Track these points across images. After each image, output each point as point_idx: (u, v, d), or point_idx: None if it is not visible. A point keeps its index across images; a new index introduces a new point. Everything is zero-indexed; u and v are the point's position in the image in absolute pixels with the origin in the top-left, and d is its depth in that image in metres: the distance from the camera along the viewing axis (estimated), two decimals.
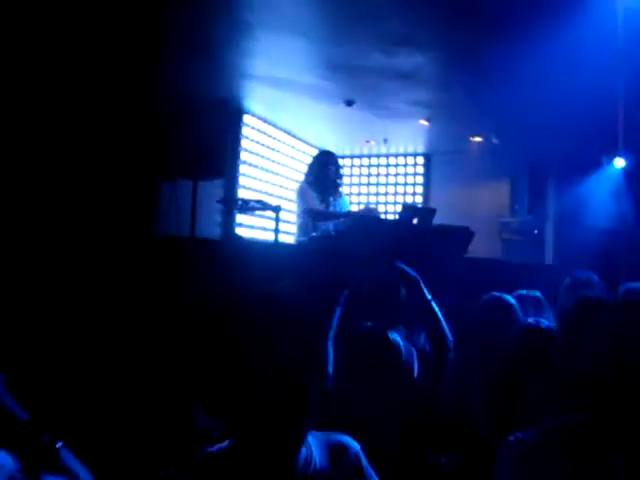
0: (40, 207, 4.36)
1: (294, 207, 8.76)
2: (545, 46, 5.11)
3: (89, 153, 5.11)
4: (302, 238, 5.44)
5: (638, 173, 7.30)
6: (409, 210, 5.51)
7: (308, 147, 9.35)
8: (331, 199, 5.51)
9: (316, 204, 5.45)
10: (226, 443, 2.05)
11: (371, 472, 2.14)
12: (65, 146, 4.79)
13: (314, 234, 5.46)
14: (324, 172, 5.52)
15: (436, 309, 3.14)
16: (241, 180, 7.64)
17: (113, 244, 4.45)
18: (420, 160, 9.93)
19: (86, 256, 4.26)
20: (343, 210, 5.63)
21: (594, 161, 7.81)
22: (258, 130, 7.99)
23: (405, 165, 10.06)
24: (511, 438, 2.02)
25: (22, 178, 4.33)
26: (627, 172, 7.31)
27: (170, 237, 5.55)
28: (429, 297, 3.18)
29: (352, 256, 4.45)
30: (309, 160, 9.25)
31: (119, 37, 5.08)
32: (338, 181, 5.66)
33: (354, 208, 7.69)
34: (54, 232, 4.30)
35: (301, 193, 5.47)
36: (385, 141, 8.93)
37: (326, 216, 5.34)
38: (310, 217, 5.27)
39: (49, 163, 4.62)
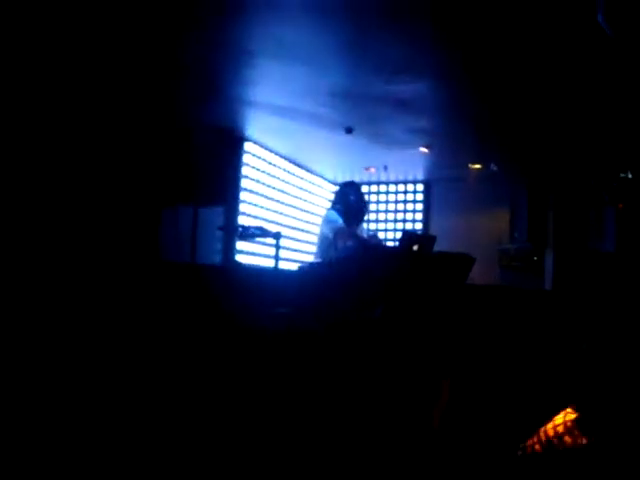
0: (46, 233, 4.39)
1: (296, 234, 8.87)
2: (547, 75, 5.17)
3: (95, 180, 5.14)
4: (320, 259, 5.62)
5: None
6: (409, 237, 5.52)
7: (308, 174, 9.40)
8: (355, 226, 5.75)
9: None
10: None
11: None
12: (73, 173, 4.83)
13: (318, 260, 5.59)
14: (346, 202, 5.78)
15: None
16: (242, 207, 7.65)
17: (116, 269, 4.46)
18: (420, 187, 9.98)
19: (89, 282, 4.26)
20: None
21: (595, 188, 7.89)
22: (259, 157, 8.02)
23: (405, 192, 10.10)
24: None
25: (38, 208, 4.37)
26: None
27: (171, 263, 5.56)
28: None
29: (351, 283, 4.46)
30: (309, 187, 9.37)
31: (121, 68, 5.14)
32: (361, 209, 5.91)
33: None
34: (60, 258, 4.32)
35: (331, 217, 5.71)
36: (385, 168, 8.96)
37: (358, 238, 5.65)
38: (343, 237, 5.51)
39: (57, 190, 4.66)
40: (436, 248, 5.18)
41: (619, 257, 7.62)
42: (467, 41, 4.62)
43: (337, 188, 6.32)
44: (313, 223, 9.60)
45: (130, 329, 4.00)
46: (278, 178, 8.56)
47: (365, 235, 5.95)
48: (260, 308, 4.06)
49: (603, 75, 5.09)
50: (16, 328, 3.66)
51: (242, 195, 7.68)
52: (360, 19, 4.32)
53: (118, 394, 3.43)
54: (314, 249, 6.09)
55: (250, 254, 7.68)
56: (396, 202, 10.14)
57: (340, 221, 5.69)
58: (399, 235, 6.21)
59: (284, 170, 8.71)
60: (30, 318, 3.82)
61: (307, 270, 5.44)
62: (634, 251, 7.52)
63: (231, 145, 7.42)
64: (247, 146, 7.72)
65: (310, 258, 9.08)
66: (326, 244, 5.72)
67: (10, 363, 3.37)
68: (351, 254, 5.15)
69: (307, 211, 9.42)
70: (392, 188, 10.15)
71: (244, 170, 7.71)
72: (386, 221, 10.16)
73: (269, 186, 8.31)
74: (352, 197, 5.90)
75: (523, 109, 6.07)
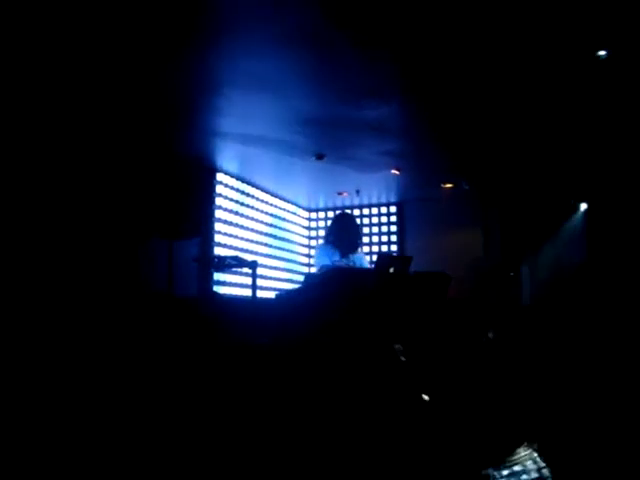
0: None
1: (272, 262, 8.88)
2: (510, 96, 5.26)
3: (71, 215, 5.12)
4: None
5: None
6: (385, 259, 5.56)
7: (282, 202, 9.43)
8: (350, 255, 5.84)
9: (337, 259, 5.86)
10: None
11: None
12: (46, 206, 4.82)
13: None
14: (341, 232, 5.89)
15: None
16: (217, 238, 7.65)
17: (94, 303, 4.44)
18: (393, 209, 10.03)
19: (66, 317, 4.23)
20: (361, 264, 6.05)
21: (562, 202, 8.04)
22: (231, 187, 8.04)
23: (379, 215, 10.15)
24: None
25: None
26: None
27: (149, 296, 5.53)
28: None
29: (322, 308, 4.47)
30: (283, 214, 9.41)
31: (88, 99, 5.14)
32: (355, 239, 6.06)
33: None
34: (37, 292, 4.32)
35: (323, 249, 5.83)
36: (358, 192, 9.01)
37: None
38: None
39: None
40: (412, 268, 5.22)
41: (591, 267, 7.73)
42: (431, 63, 4.69)
43: (332, 220, 6.42)
44: (289, 250, 9.62)
45: (111, 361, 3.97)
46: (252, 207, 8.58)
47: (358, 263, 6.03)
48: (241, 338, 4.05)
49: (569, 93, 5.20)
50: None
51: (217, 226, 7.68)
52: (324, 47, 4.38)
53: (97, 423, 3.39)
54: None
55: (227, 284, 7.67)
56: (370, 225, 10.18)
57: (336, 254, 5.80)
58: (375, 258, 6.27)
59: (257, 199, 8.73)
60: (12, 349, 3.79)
61: (285, 297, 5.45)
62: (604, 260, 7.64)
63: (203, 177, 7.43)
64: (219, 177, 7.74)
65: (286, 285, 9.10)
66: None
67: None
68: (326, 279, 5.16)
69: (282, 238, 9.44)
70: (366, 211, 10.20)
71: (217, 201, 7.71)
72: (361, 244, 10.16)
73: (243, 215, 8.32)
74: (348, 227, 6.02)
75: (490, 128, 6.16)
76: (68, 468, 2.99)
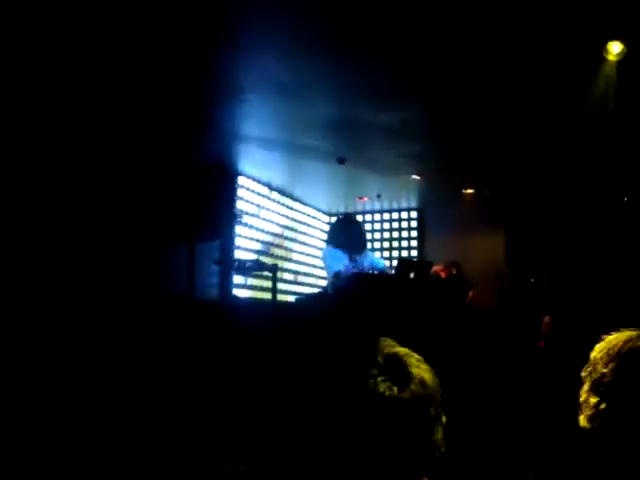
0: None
1: (292, 266, 8.89)
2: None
3: (94, 219, 5.17)
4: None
5: None
6: (405, 265, 5.55)
7: (303, 206, 9.43)
8: (357, 257, 5.73)
9: (345, 262, 5.69)
10: None
11: None
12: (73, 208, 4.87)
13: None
14: (346, 234, 5.80)
15: None
16: (237, 241, 7.66)
17: (117, 304, 4.47)
18: (414, 214, 10.00)
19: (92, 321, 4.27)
20: (372, 264, 5.86)
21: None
22: (252, 191, 8.05)
23: (399, 220, 10.11)
24: None
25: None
26: None
27: (171, 299, 5.56)
28: None
29: (350, 313, 4.47)
30: (304, 218, 9.41)
31: (110, 104, 5.18)
32: (361, 240, 5.89)
33: None
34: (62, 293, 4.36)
35: (332, 253, 5.75)
36: (378, 197, 8.99)
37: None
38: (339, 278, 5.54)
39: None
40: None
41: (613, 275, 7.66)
42: (453, 68, 4.68)
43: (334, 224, 6.32)
44: (309, 254, 9.61)
45: (132, 361, 4.00)
46: (273, 211, 8.59)
47: (366, 264, 5.96)
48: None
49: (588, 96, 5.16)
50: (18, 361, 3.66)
51: (237, 229, 7.69)
52: (345, 51, 4.38)
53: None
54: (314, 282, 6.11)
55: (248, 287, 7.67)
56: (391, 230, 10.15)
57: (344, 257, 5.74)
58: (395, 263, 6.26)
59: (278, 203, 8.74)
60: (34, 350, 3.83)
61: (305, 301, 5.45)
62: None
63: (225, 180, 7.45)
64: (241, 180, 7.75)
65: (306, 289, 9.10)
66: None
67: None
68: (348, 284, 5.16)
69: (303, 243, 9.44)
70: (386, 216, 10.17)
71: (239, 204, 7.73)
72: (381, 249, 10.15)
73: (264, 219, 8.33)
74: (352, 229, 5.95)
75: (513, 132, 6.12)
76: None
